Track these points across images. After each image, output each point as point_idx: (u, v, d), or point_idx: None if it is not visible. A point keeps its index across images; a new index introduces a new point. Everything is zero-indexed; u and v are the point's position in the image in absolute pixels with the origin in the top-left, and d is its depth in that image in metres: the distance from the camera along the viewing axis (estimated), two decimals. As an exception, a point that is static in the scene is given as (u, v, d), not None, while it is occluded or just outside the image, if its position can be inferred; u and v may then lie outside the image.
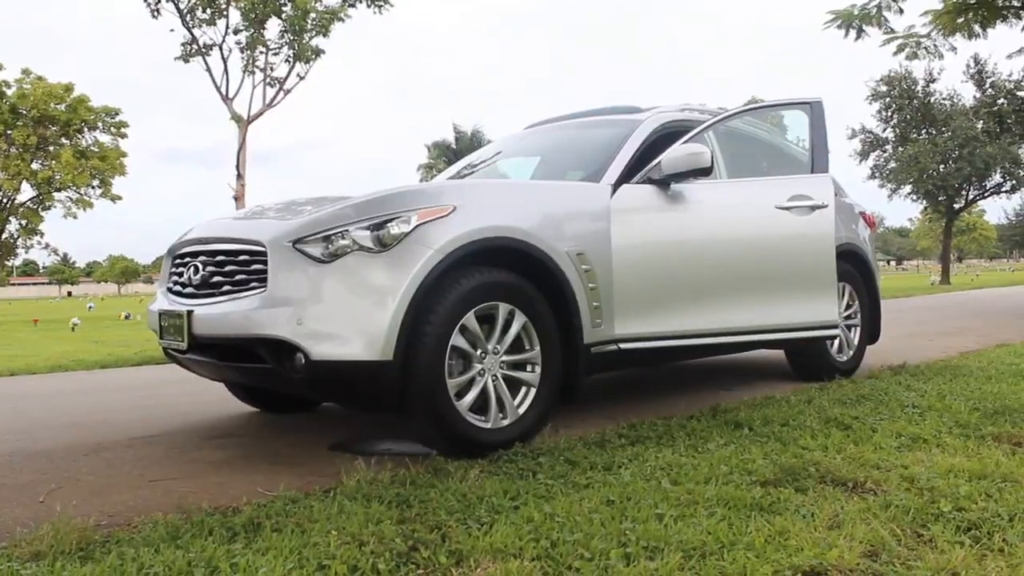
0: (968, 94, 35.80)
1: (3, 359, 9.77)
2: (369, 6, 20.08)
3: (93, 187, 32.65)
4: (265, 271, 3.49)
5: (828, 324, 4.82)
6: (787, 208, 4.72)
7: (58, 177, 31.05)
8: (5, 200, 30.98)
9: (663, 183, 4.37)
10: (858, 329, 5.93)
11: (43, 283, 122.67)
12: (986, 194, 37.34)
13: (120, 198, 33.52)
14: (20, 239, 33.67)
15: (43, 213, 33.03)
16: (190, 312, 3.70)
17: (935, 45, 14.46)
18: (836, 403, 4.43)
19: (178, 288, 4.03)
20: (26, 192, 31.91)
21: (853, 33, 13.49)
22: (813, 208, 4.75)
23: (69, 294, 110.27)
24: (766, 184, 4.94)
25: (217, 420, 4.74)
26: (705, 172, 4.32)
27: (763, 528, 2.43)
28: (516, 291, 3.68)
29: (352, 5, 20.02)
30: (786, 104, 5.44)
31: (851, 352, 5.84)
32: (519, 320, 3.68)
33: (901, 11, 13.55)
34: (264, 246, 3.52)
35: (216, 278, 3.76)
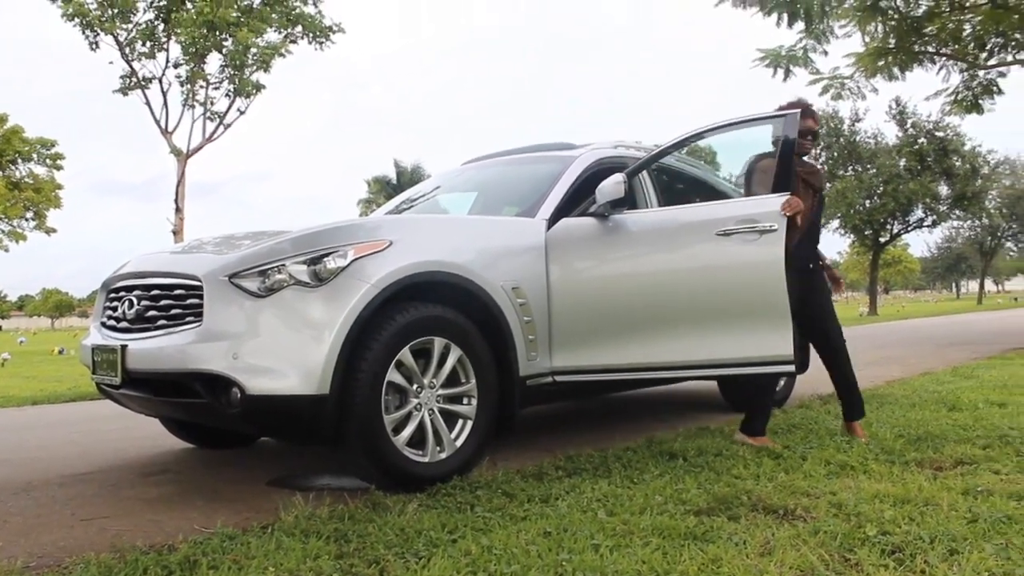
0: (891, 133, 37.05)
1: (-75, 397, 9.43)
2: (311, 42, 20.12)
3: (27, 219, 31.85)
4: (201, 305, 3.47)
5: (781, 359, 4.16)
6: (730, 233, 4.23)
7: (-11, 209, 30.24)
8: (-66, 232, 30.08)
9: (598, 216, 4.36)
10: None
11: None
12: (909, 228, 38.51)
13: (55, 231, 32.78)
14: (-53, 272, 32.66)
15: (-27, 245, 32.06)
16: (124, 347, 3.66)
17: (858, 86, 15.00)
18: (767, 432, 4.53)
19: (112, 322, 3.98)
20: (-45, 224, 31.00)
21: (781, 73, 13.93)
22: (762, 232, 4.20)
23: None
24: (709, 209, 4.55)
25: (152, 456, 4.66)
26: (623, 202, 4.26)
27: (697, 556, 2.49)
28: (452, 325, 3.71)
29: (293, 41, 20.04)
30: (765, 117, 4.62)
31: (782, 383, 5.95)
32: (455, 354, 3.71)
33: (826, 53, 14.04)
34: (200, 280, 3.51)
35: (151, 312, 3.73)
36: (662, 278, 4.31)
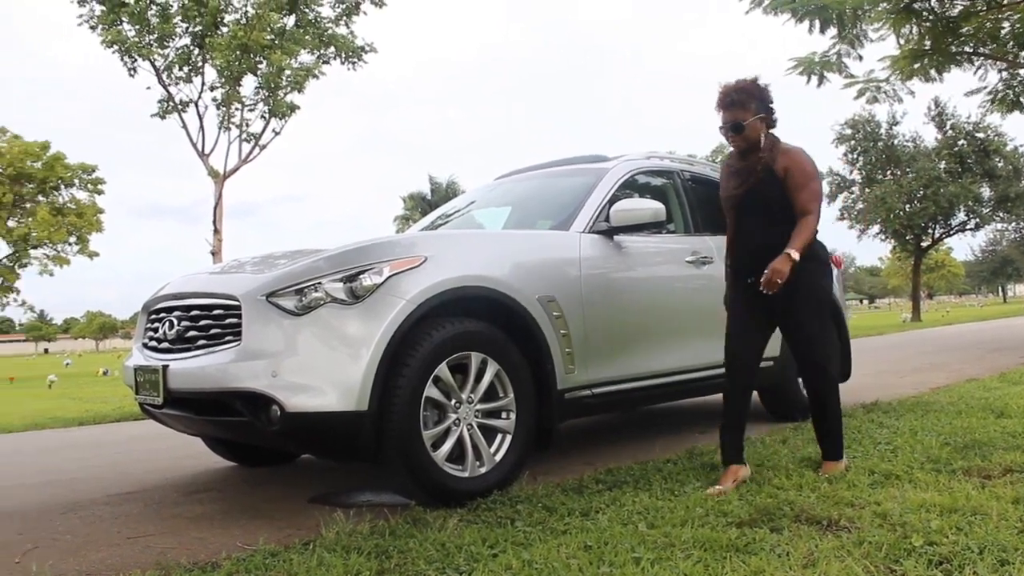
0: (930, 136, 36.57)
1: (-24, 419, 9.64)
2: (343, 63, 20.32)
3: (70, 244, 32.45)
4: (240, 325, 3.51)
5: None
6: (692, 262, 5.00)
7: (34, 234, 30.83)
8: (-19, 258, 30.76)
9: (605, 234, 4.50)
10: (830, 368, 5.97)
11: (19, 340, 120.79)
12: (951, 232, 37.94)
13: (97, 254, 33.35)
14: (-4, 297, 33.33)
15: (19, 270, 32.75)
16: (165, 367, 3.71)
17: (894, 89, 14.85)
18: (810, 442, 4.47)
19: (153, 343, 4.04)
20: (2, 250, 31.68)
21: (815, 80, 13.84)
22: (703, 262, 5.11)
23: (46, 351, 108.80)
24: (677, 240, 5.15)
25: (196, 475, 4.72)
26: (658, 225, 4.51)
27: (739, 569, 2.46)
28: (488, 339, 3.71)
29: (326, 62, 20.24)
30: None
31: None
32: (492, 368, 3.71)
33: (860, 58, 13.93)
34: (238, 300, 3.55)
35: (191, 332, 3.78)
36: (664, 292, 4.86)
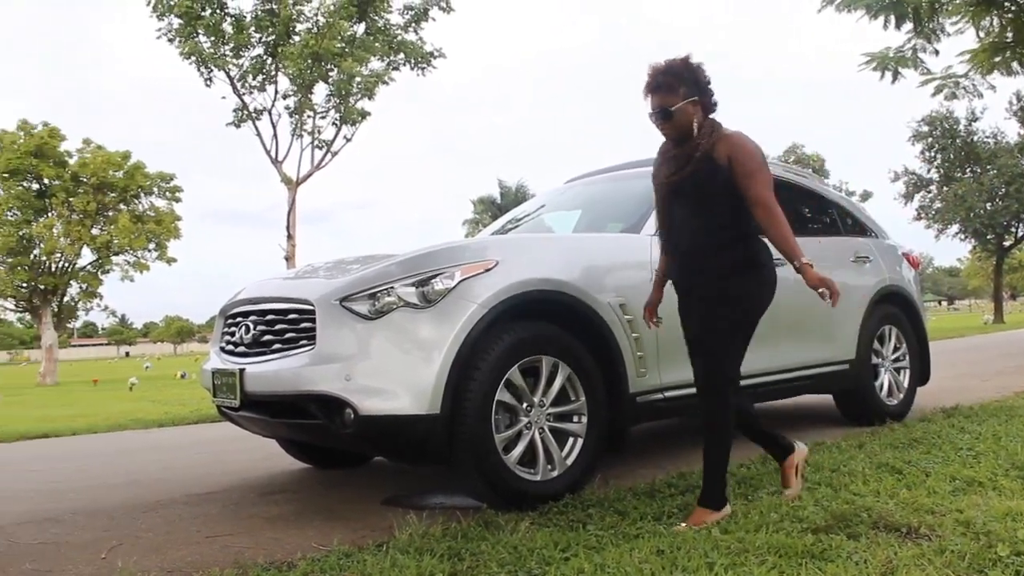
0: (1012, 131, 35.43)
1: (65, 419, 10.02)
2: (412, 68, 20.51)
3: (149, 250, 33.33)
4: (314, 329, 3.58)
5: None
6: None
7: (116, 241, 31.73)
8: (67, 265, 31.72)
9: None
10: (907, 371, 5.84)
11: (102, 344, 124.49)
12: (1036, 231, 36.72)
13: (175, 260, 34.17)
14: (80, 302, 34.36)
15: (102, 276, 33.77)
16: (242, 370, 3.80)
17: (973, 84, 14.36)
18: (888, 447, 4.38)
19: (230, 347, 4.13)
20: (86, 256, 32.66)
21: (889, 76, 13.48)
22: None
23: (127, 354, 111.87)
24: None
25: (271, 476, 4.81)
26: None
27: (815, 576, 2.42)
28: (560, 343, 3.72)
29: (396, 68, 20.45)
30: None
31: (901, 395, 5.76)
32: (563, 372, 3.71)
33: (937, 52, 13.52)
34: (312, 304, 3.62)
35: (267, 336, 3.86)
36: None
